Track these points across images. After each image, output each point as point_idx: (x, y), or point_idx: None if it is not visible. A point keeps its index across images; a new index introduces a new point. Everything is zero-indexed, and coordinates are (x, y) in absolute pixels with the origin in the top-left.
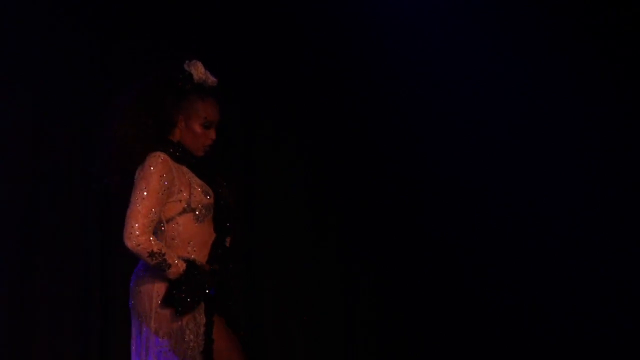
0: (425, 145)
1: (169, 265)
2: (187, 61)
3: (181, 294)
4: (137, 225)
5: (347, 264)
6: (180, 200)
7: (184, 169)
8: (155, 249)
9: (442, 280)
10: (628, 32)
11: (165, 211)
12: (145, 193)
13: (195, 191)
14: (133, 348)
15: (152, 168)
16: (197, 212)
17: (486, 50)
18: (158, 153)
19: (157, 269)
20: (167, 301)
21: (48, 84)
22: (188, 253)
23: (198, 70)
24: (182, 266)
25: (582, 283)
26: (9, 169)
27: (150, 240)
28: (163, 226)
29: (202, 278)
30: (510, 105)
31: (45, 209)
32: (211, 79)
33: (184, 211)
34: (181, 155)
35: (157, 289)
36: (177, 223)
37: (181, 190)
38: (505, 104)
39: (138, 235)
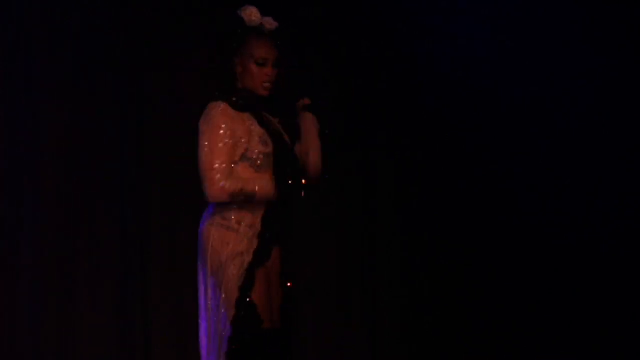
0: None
1: (253, 195)
2: (241, 8)
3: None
4: (207, 182)
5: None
6: (240, 148)
7: (246, 116)
8: (232, 190)
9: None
10: None
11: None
12: (209, 147)
13: (253, 140)
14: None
15: (212, 120)
16: (256, 161)
17: (567, 50)
18: (217, 102)
19: (246, 202)
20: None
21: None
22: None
23: (250, 15)
24: (270, 182)
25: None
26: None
27: (224, 187)
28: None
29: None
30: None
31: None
32: (269, 23)
33: (242, 159)
34: (244, 102)
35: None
36: (235, 171)
37: (241, 138)
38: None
39: (213, 185)
